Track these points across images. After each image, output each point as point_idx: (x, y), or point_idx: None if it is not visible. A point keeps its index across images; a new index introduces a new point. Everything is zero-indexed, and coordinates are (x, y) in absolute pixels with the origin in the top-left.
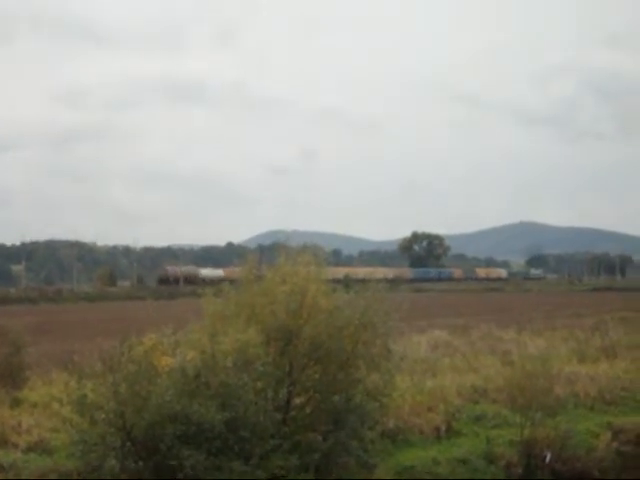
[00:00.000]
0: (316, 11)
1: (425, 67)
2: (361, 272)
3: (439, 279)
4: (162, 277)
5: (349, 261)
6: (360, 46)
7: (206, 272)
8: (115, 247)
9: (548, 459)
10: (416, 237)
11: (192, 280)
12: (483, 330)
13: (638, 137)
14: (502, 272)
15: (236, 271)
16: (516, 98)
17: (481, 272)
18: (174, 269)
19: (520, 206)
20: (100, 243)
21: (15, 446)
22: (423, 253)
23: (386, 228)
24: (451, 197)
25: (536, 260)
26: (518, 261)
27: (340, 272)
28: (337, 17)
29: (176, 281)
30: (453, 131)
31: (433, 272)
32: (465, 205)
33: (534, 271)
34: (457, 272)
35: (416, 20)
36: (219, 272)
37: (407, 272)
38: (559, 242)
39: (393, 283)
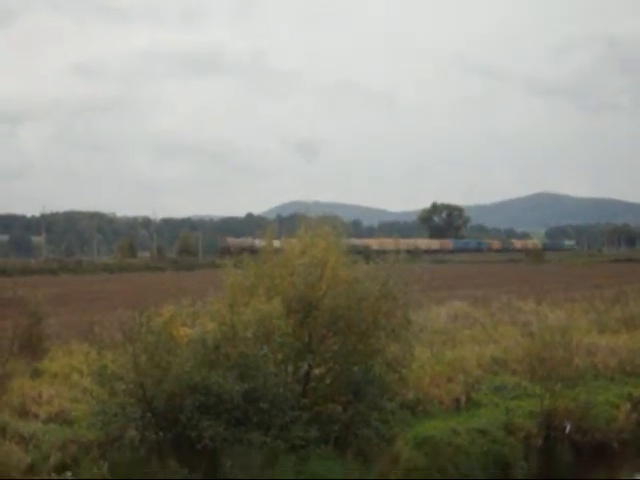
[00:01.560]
0: None
1: (440, 40)
2: (404, 243)
3: (478, 250)
4: (223, 249)
5: (369, 232)
6: (377, 19)
7: (277, 243)
8: (135, 218)
9: (568, 430)
10: (436, 208)
11: (252, 251)
12: (503, 301)
13: None
14: (537, 243)
15: (292, 241)
16: (533, 69)
17: (517, 243)
18: (234, 240)
19: (539, 177)
20: (120, 214)
21: (35, 416)
22: (443, 224)
23: (405, 199)
24: (470, 169)
25: (556, 231)
26: (538, 232)
27: (386, 243)
28: None
29: (239, 252)
30: (470, 103)
31: (472, 243)
32: (484, 176)
33: (567, 242)
34: (495, 243)
35: None
36: (276, 243)
37: (448, 243)
38: (579, 213)
39: (413, 254)
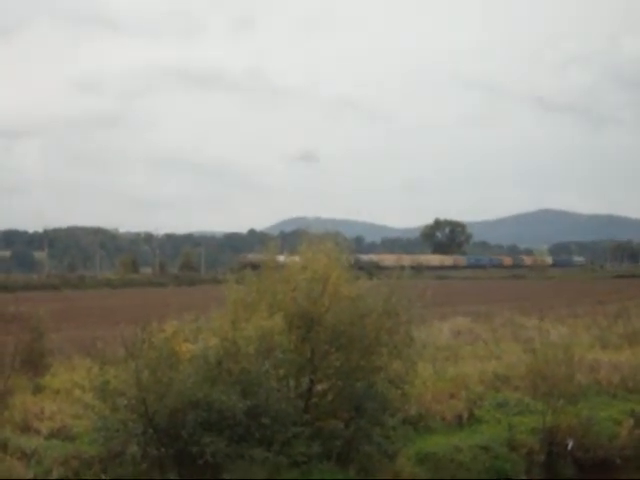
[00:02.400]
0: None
1: (440, 56)
2: (422, 259)
3: (491, 266)
4: (244, 264)
5: (371, 248)
6: (376, 33)
7: (283, 258)
8: (137, 234)
9: (570, 446)
10: (438, 224)
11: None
12: (505, 317)
13: None
14: (548, 259)
15: (300, 257)
16: (536, 85)
17: (528, 260)
18: (255, 256)
19: (542, 193)
20: (122, 230)
21: (37, 432)
22: (445, 240)
23: (407, 215)
24: (473, 184)
25: (559, 248)
26: (541, 248)
27: (403, 260)
28: (352, 5)
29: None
30: (472, 119)
31: (485, 260)
32: (487, 193)
33: (577, 258)
34: (506, 260)
35: (432, 6)
36: (296, 258)
37: (462, 260)
38: (582, 230)
39: (417, 270)
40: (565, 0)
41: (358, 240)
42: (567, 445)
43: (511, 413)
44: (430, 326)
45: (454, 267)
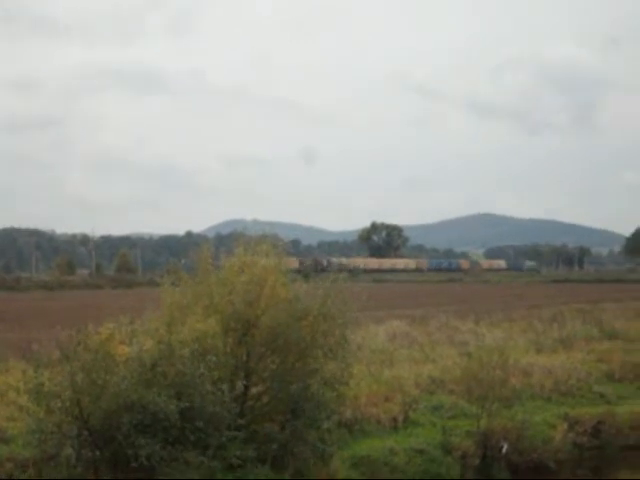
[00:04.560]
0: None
1: (380, 59)
2: (387, 263)
3: (450, 269)
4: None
5: (308, 251)
6: (316, 37)
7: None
8: (73, 236)
9: (504, 450)
10: (375, 228)
11: None
12: (441, 321)
13: (593, 129)
14: (502, 263)
15: (291, 260)
16: (472, 89)
17: (484, 264)
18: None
19: (479, 198)
20: (58, 231)
21: None
22: (382, 244)
23: (345, 219)
24: (410, 188)
25: (495, 252)
26: (477, 252)
27: (370, 263)
28: (293, 6)
29: None
30: (410, 123)
31: (445, 263)
32: (424, 196)
33: (529, 262)
34: (464, 263)
35: (372, 12)
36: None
37: (424, 263)
38: (518, 234)
39: (352, 273)
40: (499, 7)
41: (295, 243)
42: (501, 448)
43: (446, 416)
44: (366, 329)
45: (417, 270)
